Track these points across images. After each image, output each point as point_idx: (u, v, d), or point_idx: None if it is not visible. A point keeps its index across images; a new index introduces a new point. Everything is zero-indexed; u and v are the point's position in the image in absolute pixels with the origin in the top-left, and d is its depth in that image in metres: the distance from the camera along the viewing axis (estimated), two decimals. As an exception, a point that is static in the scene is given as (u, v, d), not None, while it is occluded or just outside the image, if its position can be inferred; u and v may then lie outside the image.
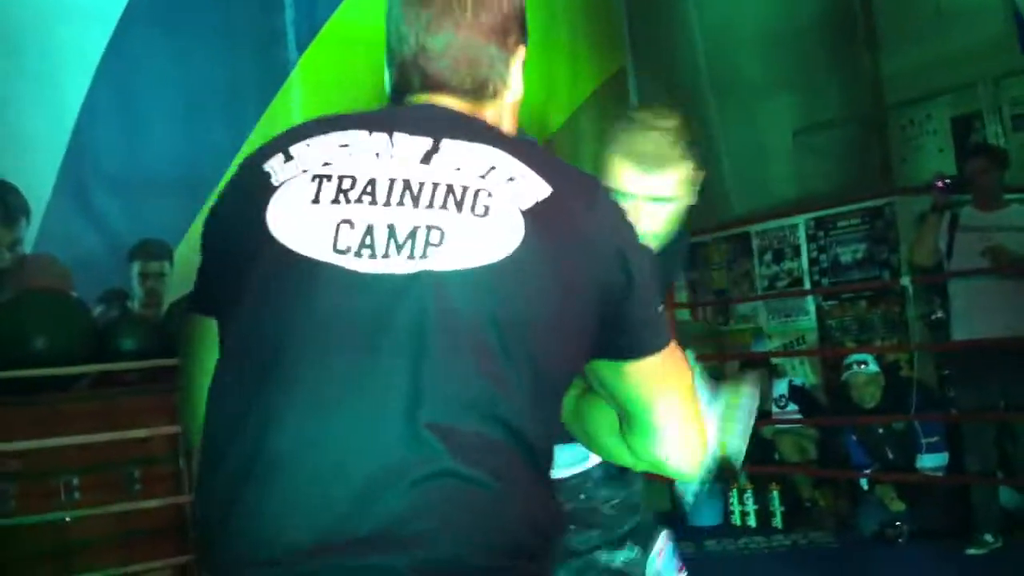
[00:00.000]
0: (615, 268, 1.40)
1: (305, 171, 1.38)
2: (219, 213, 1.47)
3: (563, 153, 7.52)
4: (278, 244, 1.34)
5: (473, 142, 1.41)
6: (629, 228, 1.47)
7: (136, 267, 5.26)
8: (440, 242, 1.32)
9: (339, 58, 6.86)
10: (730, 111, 8.38)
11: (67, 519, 4.10)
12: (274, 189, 1.38)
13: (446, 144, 1.40)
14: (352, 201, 1.35)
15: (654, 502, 7.05)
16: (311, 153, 1.41)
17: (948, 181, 5.68)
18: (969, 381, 5.64)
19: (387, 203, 1.35)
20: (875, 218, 7.03)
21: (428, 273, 1.30)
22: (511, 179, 1.38)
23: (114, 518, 4.22)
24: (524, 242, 1.33)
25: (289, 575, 1.22)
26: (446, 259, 1.31)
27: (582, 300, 1.38)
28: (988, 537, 5.42)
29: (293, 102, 6.83)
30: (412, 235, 1.32)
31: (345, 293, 1.30)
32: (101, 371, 4.52)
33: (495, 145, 1.42)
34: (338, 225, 1.33)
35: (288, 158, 1.41)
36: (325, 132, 1.43)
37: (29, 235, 5.10)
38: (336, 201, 1.35)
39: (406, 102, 1.53)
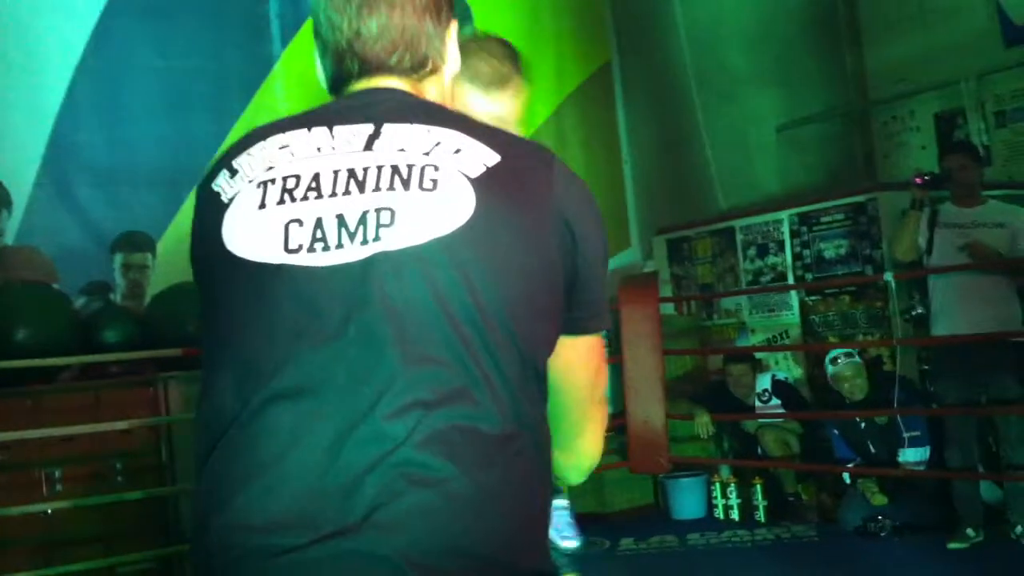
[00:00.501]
0: (565, 233, 1.37)
1: (251, 181, 1.38)
2: (191, 243, 1.46)
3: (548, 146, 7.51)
4: (233, 257, 1.34)
5: (415, 123, 1.40)
6: (582, 199, 1.43)
7: (119, 259, 5.24)
8: (391, 222, 1.30)
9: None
10: (715, 106, 8.39)
11: (48, 511, 4.09)
12: (225, 206, 1.38)
13: (388, 128, 1.39)
14: (298, 199, 1.34)
15: (637, 495, 7.09)
16: (253, 162, 1.40)
17: (927, 177, 5.70)
18: (950, 376, 5.65)
19: (333, 194, 1.33)
20: (858, 214, 7.03)
21: (383, 255, 1.29)
22: (457, 151, 1.36)
23: (97, 510, 4.21)
24: (476, 210, 1.31)
25: (280, 564, 1.22)
26: (399, 237, 1.30)
27: (548, 261, 1.36)
28: (970, 531, 5.44)
29: (277, 94, 6.82)
30: (363, 220, 1.31)
31: (304, 291, 1.30)
32: (84, 363, 4.50)
33: (439, 123, 1.40)
34: (287, 225, 1.33)
35: (232, 173, 1.41)
36: (265, 137, 1.43)
37: (11, 227, 5.08)
38: (282, 202, 1.35)
39: (346, 91, 1.50)
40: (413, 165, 1.34)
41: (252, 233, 1.34)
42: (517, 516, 1.28)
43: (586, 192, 1.45)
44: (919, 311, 6.29)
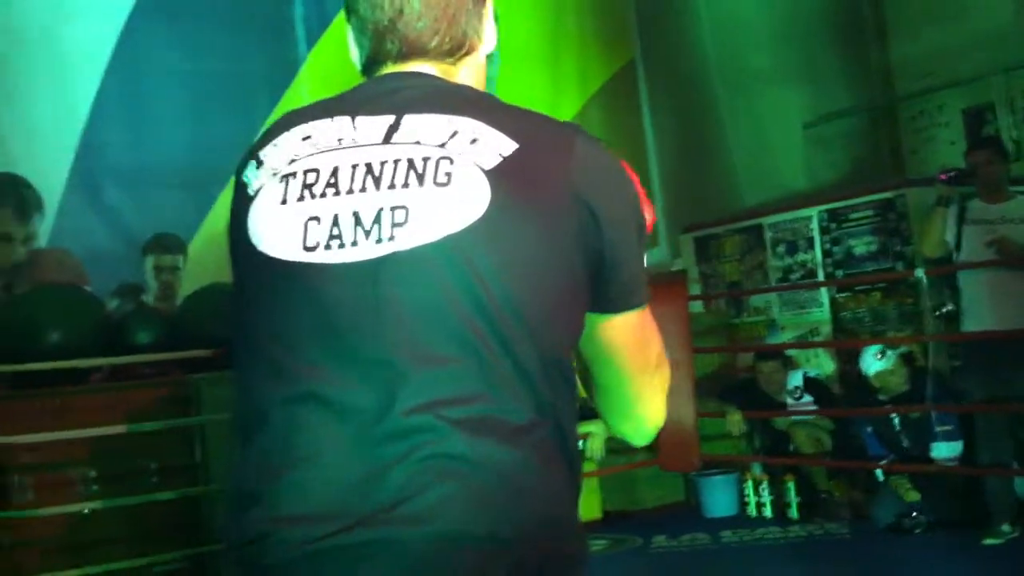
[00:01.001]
0: (585, 216, 1.35)
1: (275, 174, 1.40)
2: (227, 232, 1.49)
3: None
4: (258, 252, 1.37)
5: (436, 112, 1.38)
6: (607, 177, 1.41)
7: (150, 261, 5.27)
8: (405, 220, 1.31)
9: (349, 53, 6.85)
10: (739, 103, 8.35)
11: (86, 511, 4.11)
12: (251, 199, 1.40)
13: (407, 119, 1.38)
14: (317, 196, 1.35)
15: (667, 493, 7.07)
16: (278, 153, 1.42)
17: (952, 174, 5.67)
18: (976, 372, 5.62)
19: (350, 191, 1.34)
20: (887, 210, 7.01)
21: (396, 255, 1.30)
22: (474, 141, 1.35)
23: (130, 510, 4.22)
24: (490, 205, 1.30)
25: (306, 551, 1.25)
26: (412, 236, 1.30)
27: (564, 250, 1.34)
28: (1005, 527, 5.40)
29: (303, 97, 6.83)
30: (377, 219, 1.32)
31: (320, 289, 1.32)
32: (115, 364, 4.52)
33: (459, 112, 1.38)
34: (306, 223, 1.34)
35: (259, 164, 1.42)
36: (290, 127, 1.43)
37: (43, 230, 5.11)
38: (301, 198, 1.36)
39: (377, 74, 1.50)
40: (428, 158, 1.34)
41: (274, 229, 1.37)
42: (541, 502, 1.30)
43: (611, 169, 1.43)
44: (949, 308, 6.25)
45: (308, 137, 1.40)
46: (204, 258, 5.66)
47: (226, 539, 1.35)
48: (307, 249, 1.33)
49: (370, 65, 1.51)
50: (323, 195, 1.35)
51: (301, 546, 1.25)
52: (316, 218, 1.34)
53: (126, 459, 4.34)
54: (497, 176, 1.32)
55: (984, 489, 5.56)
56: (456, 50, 1.50)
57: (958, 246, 5.62)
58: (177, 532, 4.39)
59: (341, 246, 1.32)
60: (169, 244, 5.33)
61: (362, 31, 1.50)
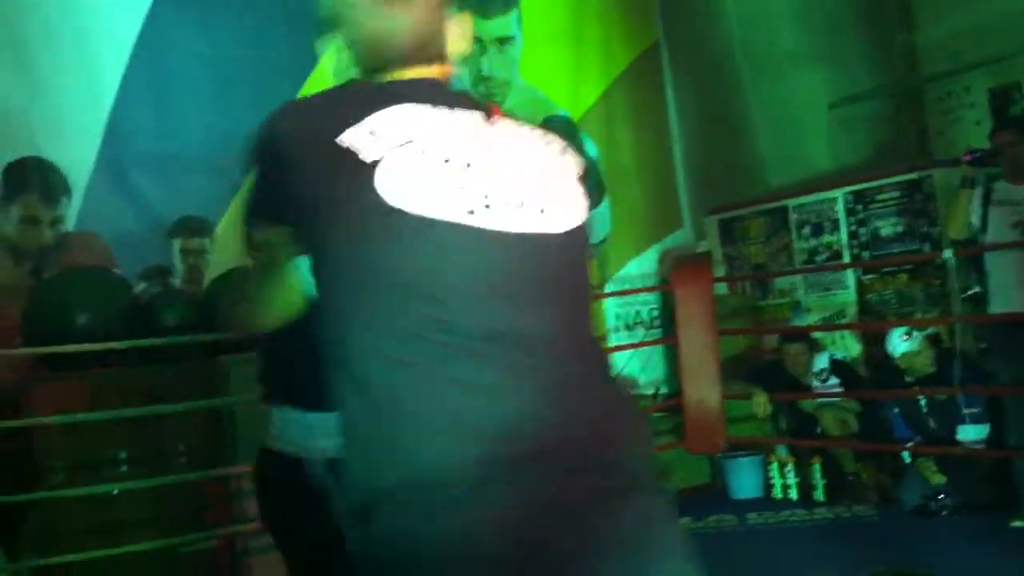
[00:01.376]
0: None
1: (402, 144, 1.48)
2: (317, 195, 1.50)
3: (598, 130, 7.51)
4: (405, 213, 1.45)
5: (517, 121, 1.65)
6: None
7: (177, 244, 5.31)
8: (544, 208, 1.56)
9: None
10: (764, 84, 8.30)
11: (115, 492, 4.13)
12: (372, 165, 1.46)
13: (499, 121, 1.60)
14: (464, 169, 1.51)
15: (692, 475, 7.07)
16: (392, 127, 1.50)
17: (976, 155, 5.63)
18: (1003, 354, 5.60)
19: (491, 174, 1.53)
20: (914, 191, 6.97)
21: (533, 235, 1.54)
22: (563, 154, 1.65)
23: (159, 491, 4.24)
24: (585, 208, 1.63)
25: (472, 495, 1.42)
26: (543, 223, 1.56)
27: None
28: (1033, 510, 5.38)
29: (327, 82, 6.82)
30: (521, 201, 1.54)
31: (481, 248, 1.50)
32: (144, 346, 4.54)
33: (530, 124, 1.67)
34: (459, 190, 1.50)
35: (369, 132, 1.48)
36: (386, 105, 1.52)
37: (70, 215, 5.13)
38: (448, 171, 1.50)
39: (396, 76, 1.63)
40: (547, 161, 1.61)
41: (425, 192, 1.47)
42: (638, 437, 1.63)
43: None
44: (976, 290, 6.22)
45: (420, 119, 1.53)
46: (229, 242, 5.68)
47: (356, 495, 1.50)
48: (469, 213, 1.49)
49: (370, 69, 1.66)
50: (469, 170, 1.51)
51: (466, 491, 1.41)
52: (466, 188, 1.50)
53: (155, 440, 4.36)
54: (583, 187, 1.65)
55: (1012, 471, 5.54)
56: (441, 60, 1.67)
57: (984, 228, 5.59)
58: (207, 512, 4.41)
59: (496, 215, 1.51)
60: (196, 227, 5.36)
61: (353, 41, 1.67)
